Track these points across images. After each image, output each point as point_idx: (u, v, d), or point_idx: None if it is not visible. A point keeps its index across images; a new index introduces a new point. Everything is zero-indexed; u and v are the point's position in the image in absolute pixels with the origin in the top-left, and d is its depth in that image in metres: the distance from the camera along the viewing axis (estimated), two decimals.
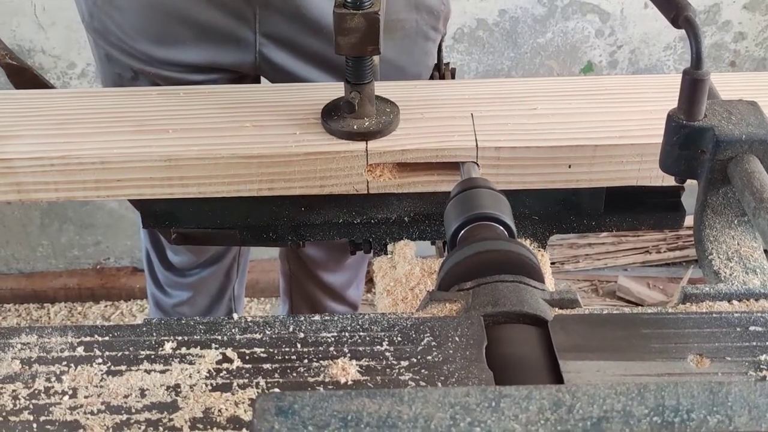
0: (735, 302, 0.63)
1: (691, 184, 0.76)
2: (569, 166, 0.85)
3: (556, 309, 0.63)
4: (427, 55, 1.18)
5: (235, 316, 0.61)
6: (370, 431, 0.41)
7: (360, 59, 0.84)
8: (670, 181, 0.80)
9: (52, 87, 1.05)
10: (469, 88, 0.95)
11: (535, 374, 0.57)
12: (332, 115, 0.87)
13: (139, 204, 0.90)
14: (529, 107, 0.90)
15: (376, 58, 0.85)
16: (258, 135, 0.86)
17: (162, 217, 0.90)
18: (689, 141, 0.69)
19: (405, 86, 0.96)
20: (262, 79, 1.22)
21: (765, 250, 0.69)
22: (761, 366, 0.57)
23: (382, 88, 0.89)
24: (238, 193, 0.85)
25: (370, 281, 2.40)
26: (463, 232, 0.75)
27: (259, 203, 0.88)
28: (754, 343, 0.58)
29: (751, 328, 0.59)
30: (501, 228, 0.74)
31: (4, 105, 0.92)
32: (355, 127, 0.85)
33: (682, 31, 0.68)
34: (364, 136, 0.85)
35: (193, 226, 0.91)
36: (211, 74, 1.17)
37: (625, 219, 0.91)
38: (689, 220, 0.87)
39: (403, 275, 0.86)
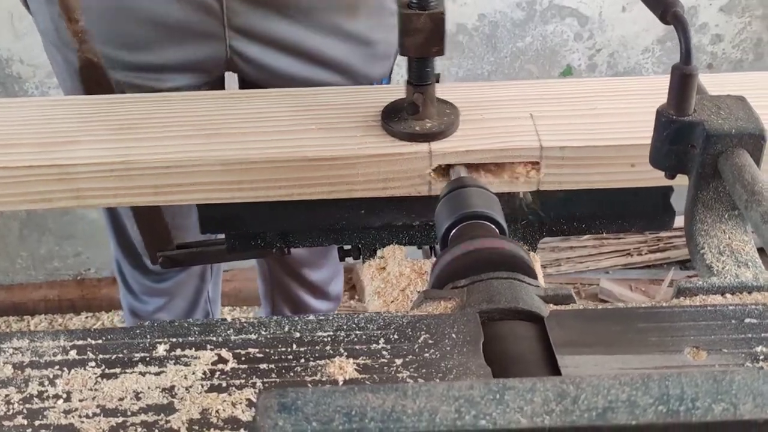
0: (728, 295, 0.63)
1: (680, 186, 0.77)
2: (632, 165, 0.85)
3: (551, 305, 0.63)
4: (393, 30, 1.18)
5: (229, 317, 0.60)
6: (375, 426, 0.40)
7: (424, 60, 0.83)
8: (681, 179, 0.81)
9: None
10: (526, 88, 0.95)
11: (533, 370, 0.56)
12: (393, 116, 0.87)
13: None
14: (589, 107, 0.90)
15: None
16: (322, 137, 0.86)
17: (222, 222, 0.90)
18: (679, 136, 0.69)
19: (462, 88, 0.96)
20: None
21: (760, 248, 0.69)
22: (758, 357, 0.57)
23: (439, 89, 0.89)
24: (302, 196, 0.85)
25: (351, 288, 2.40)
26: (454, 230, 0.74)
27: (251, 211, 0.87)
28: (750, 335, 0.58)
29: (746, 320, 0.59)
30: (492, 226, 0.74)
31: (66, 111, 0.91)
32: (417, 128, 0.85)
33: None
34: (427, 137, 0.85)
35: (255, 231, 0.90)
36: (183, 76, 1.16)
37: (615, 222, 0.91)
38: (678, 221, 0.88)
39: (394, 277, 0.85)
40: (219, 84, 1.22)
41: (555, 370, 0.56)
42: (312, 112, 0.90)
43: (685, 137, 0.69)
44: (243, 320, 0.59)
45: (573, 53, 2.16)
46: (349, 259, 0.95)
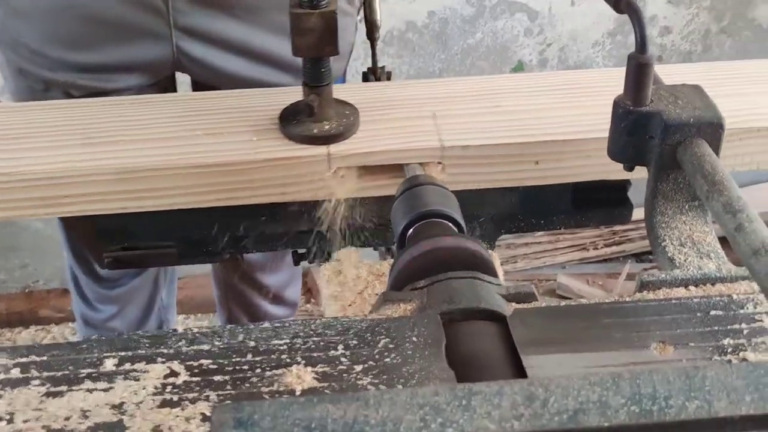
0: (692, 288, 0.62)
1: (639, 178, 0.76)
2: (536, 162, 0.83)
3: (513, 304, 0.62)
4: (345, 30, 1.15)
5: (180, 327, 0.58)
6: None
7: (318, 61, 0.81)
8: (639, 173, 0.80)
9: None
10: (428, 87, 0.93)
11: (498, 371, 0.55)
12: (291, 119, 0.84)
13: (88, 222, 0.86)
14: (493, 104, 0.89)
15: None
16: (214, 143, 0.83)
17: (114, 234, 0.86)
18: (637, 127, 0.68)
19: (363, 88, 0.94)
20: (188, 81, 1.19)
21: (721, 237, 0.68)
22: (725, 350, 0.56)
23: (338, 91, 0.87)
24: (198, 204, 0.82)
25: (308, 292, 2.37)
26: (411, 230, 0.73)
27: (200, 215, 0.84)
28: (716, 328, 0.57)
29: (712, 312, 0.58)
30: (450, 224, 0.73)
31: None
32: (315, 131, 0.83)
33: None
34: (325, 139, 0.82)
35: (148, 241, 0.87)
36: (130, 77, 1.12)
37: (574, 217, 0.90)
38: (636, 214, 0.87)
39: (351, 280, 0.83)
40: (169, 84, 1.19)
41: (520, 370, 0.54)
42: (204, 118, 0.88)
43: (643, 128, 0.68)
44: (195, 330, 0.57)
45: (524, 48, 2.15)
46: (306, 263, 0.93)
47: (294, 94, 0.89)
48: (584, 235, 2.47)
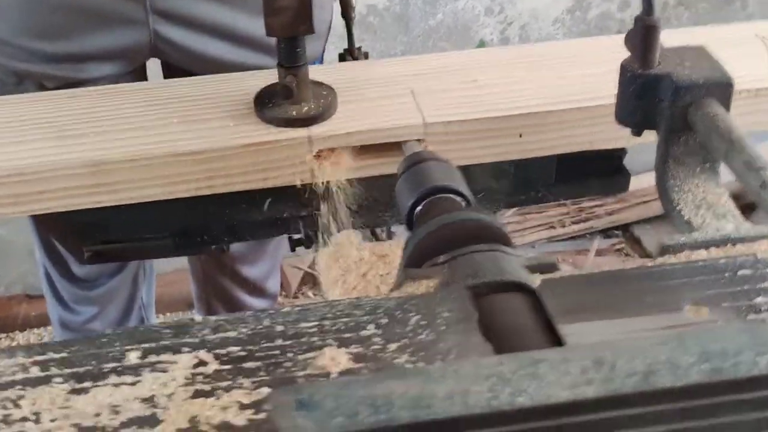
0: (713, 249, 0.62)
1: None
2: (520, 135, 0.82)
3: (537, 274, 0.60)
4: (321, 8, 1.13)
5: (198, 317, 0.56)
6: (405, 415, 0.37)
7: (293, 40, 0.79)
8: (622, 142, 0.79)
9: None
10: (403, 65, 0.92)
11: (535, 341, 0.53)
12: (266, 102, 0.82)
13: (61, 219, 0.83)
14: (470, 79, 0.88)
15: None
16: (189, 130, 0.81)
17: (88, 230, 0.83)
18: (646, 90, 0.67)
19: (337, 68, 0.92)
20: (155, 66, 1.15)
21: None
22: (759, 308, 0.55)
23: (313, 72, 0.85)
24: (174, 194, 0.79)
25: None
26: (420, 207, 0.71)
27: (195, 204, 0.82)
28: (746, 287, 0.57)
29: (740, 272, 0.58)
30: (459, 198, 0.71)
31: None
32: (293, 113, 0.81)
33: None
34: (305, 121, 0.80)
35: (123, 236, 0.84)
36: (105, 65, 1.09)
37: (573, 188, 0.90)
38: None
39: (353, 263, 0.81)
40: (143, 73, 1.16)
41: (557, 340, 0.53)
42: (178, 105, 0.85)
43: (652, 91, 0.68)
44: (219, 318, 0.55)
45: (485, 28, 2.15)
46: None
47: (270, 76, 0.87)
48: (551, 214, 2.47)
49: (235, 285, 1.53)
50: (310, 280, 2.41)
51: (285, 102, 0.81)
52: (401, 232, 0.89)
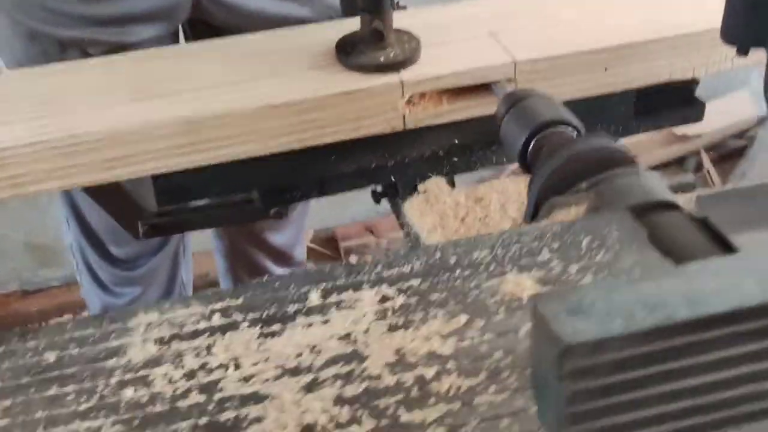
0: None
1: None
2: (605, 69, 0.82)
3: (679, 193, 0.60)
4: None
5: (368, 257, 0.55)
6: (684, 312, 0.36)
7: None
8: (698, 72, 0.79)
9: None
10: (480, 6, 0.91)
11: (712, 254, 0.53)
12: (349, 51, 0.81)
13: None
14: (551, 15, 0.87)
15: None
16: (279, 83, 0.79)
17: (178, 192, 0.81)
18: (759, 3, 0.67)
19: (414, 13, 0.91)
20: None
21: None
22: None
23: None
24: (267, 150, 0.77)
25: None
26: (533, 143, 0.70)
27: (282, 160, 0.80)
28: None
29: None
30: (570, 129, 0.71)
31: None
32: (382, 59, 0.79)
33: None
34: (394, 66, 0.79)
35: (211, 197, 0.83)
36: (148, 27, 1.06)
37: (652, 120, 0.89)
38: None
39: (449, 208, 0.81)
40: (176, 37, 1.13)
41: (731, 252, 0.53)
42: (255, 60, 0.83)
43: (764, 5, 0.67)
44: (390, 253, 0.54)
45: None
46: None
47: (340, 27, 0.86)
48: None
49: (263, 254, 1.51)
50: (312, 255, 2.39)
51: (370, 49, 0.80)
52: (463, 181, 0.88)
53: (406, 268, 0.53)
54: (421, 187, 0.85)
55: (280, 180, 0.83)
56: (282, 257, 1.53)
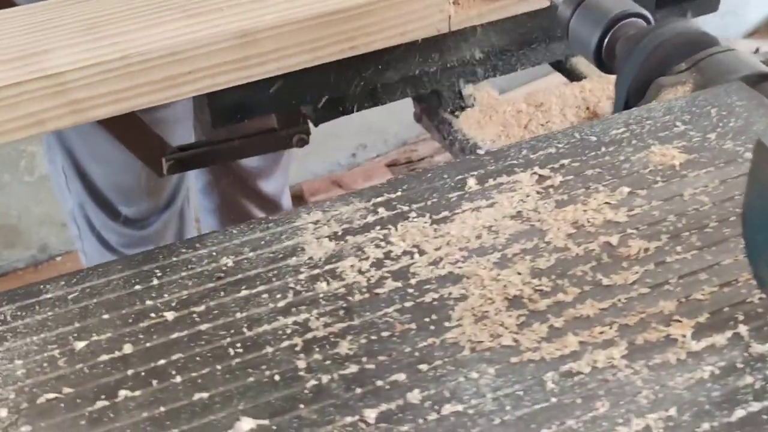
0: None
1: None
2: None
3: None
4: None
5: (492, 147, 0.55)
6: None
7: None
8: None
9: None
10: None
11: None
12: None
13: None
14: None
15: None
16: None
17: (233, 110, 0.80)
18: None
19: None
20: None
21: None
22: None
23: None
24: (320, 59, 0.76)
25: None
26: (608, 37, 0.71)
27: (332, 70, 0.79)
28: None
29: None
30: (641, 20, 0.72)
31: (22, 22, 0.76)
32: None
33: None
34: None
35: (263, 113, 0.81)
36: None
37: (672, 12, 0.91)
38: None
39: (510, 116, 0.81)
40: None
41: None
42: None
43: None
44: (528, 140, 0.55)
45: None
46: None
47: None
48: None
49: (252, 204, 1.49)
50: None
51: None
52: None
53: (552, 150, 0.54)
54: (467, 90, 0.85)
55: (330, 92, 0.82)
56: (270, 205, 1.52)
